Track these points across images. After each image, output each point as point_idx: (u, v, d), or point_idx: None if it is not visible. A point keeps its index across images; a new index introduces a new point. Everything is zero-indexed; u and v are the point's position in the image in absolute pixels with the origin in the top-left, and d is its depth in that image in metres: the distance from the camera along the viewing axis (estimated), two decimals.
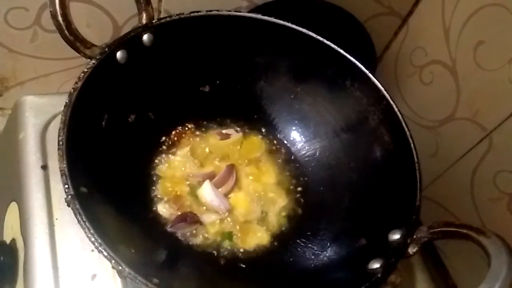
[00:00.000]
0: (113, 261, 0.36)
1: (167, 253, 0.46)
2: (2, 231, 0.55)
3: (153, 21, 0.48)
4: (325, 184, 0.55)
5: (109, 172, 0.45)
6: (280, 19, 0.52)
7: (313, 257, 0.50)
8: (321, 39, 0.52)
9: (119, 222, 0.43)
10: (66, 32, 0.43)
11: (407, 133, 0.48)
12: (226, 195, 0.52)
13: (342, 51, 0.52)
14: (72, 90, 0.43)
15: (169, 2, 0.60)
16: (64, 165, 0.39)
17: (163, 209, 0.50)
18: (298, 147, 0.58)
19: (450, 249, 0.64)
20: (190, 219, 0.49)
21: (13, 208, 0.52)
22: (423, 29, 0.65)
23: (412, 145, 0.47)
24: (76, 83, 0.43)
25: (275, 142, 0.58)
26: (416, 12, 0.66)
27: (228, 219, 0.51)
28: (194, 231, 0.49)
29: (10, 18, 0.56)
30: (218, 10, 0.51)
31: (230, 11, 0.53)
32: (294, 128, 0.58)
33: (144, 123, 0.52)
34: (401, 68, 0.70)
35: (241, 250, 0.50)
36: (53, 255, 0.46)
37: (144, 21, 0.48)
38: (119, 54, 0.46)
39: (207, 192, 0.51)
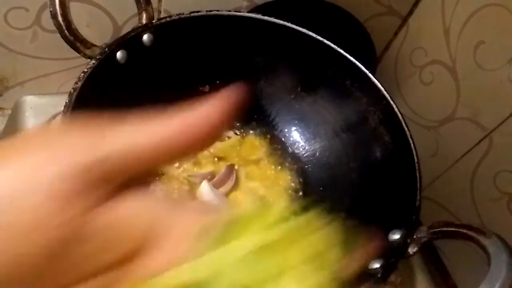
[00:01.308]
0: None
1: None
2: None
3: (153, 21, 0.48)
4: (325, 184, 0.55)
5: None
6: (280, 19, 0.52)
7: None
8: (321, 39, 0.52)
9: None
10: (66, 32, 0.43)
11: (407, 133, 0.48)
12: (226, 195, 0.52)
13: (342, 51, 0.52)
14: (72, 90, 0.43)
15: (169, 2, 0.60)
16: None
17: None
18: (298, 147, 0.58)
19: (450, 249, 0.64)
20: None
21: None
22: (423, 29, 0.65)
23: (412, 145, 0.47)
24: (76, 83, 0.43)
25: (275, 142, 0.58)
26: (416, 12, 0.66)
27: None
28: None
29: (10, 18, 0.56)
30: (218, 10, 0.51)
31: (230, 11, 0.53)
32: (294, 128, 0.58)
33: None
34: (401, 68, 0.70)
35: None
36: None
37: (144, 21, 0.48)
38: (119, 54, 0.46)
39: (205, 191, 0.50)
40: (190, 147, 0.22)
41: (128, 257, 0.21)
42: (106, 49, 0.45)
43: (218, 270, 0.20)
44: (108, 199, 0.20)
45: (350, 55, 0.52)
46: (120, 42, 0.47)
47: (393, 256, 0.41)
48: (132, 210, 0.22)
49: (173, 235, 0.22)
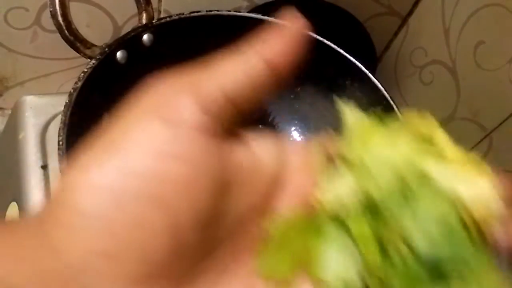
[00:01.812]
0: None
1: None
2: None
3: (153, 21, 0.48)
4: None
5: None
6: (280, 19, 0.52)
7: None
8: (321, 39, 0.52)
9: None
10: (66, 32, 0.43)
11: None
12: None
13: (342, 51, 0.52)
14: (72, 90, 0.43)
15: (169, 2, 0.60)
16: (64, 165, 0.39)
17: None
18: None
19: None
20: None
21: (13, 208, 0.52)
22: (423, 29, 0.65)
23: None
24: (76, 83, 0.43)
25: None
26: (416, 12, 0.66)
27: None
28: None
29: (10, 18, 0.56)
30: (218, 10, 0.51)
31: (230, 11, 0.53)
32: (294, 128, 0.58)
33: None
34: (401, 68, 0.70)
35: None
36: None
37: (144, 21, 0.48)
38: (119, 54, 0.46)
39: None
40: (270, 85, 0.21)
41: (263, 199, 0.21)
42: (106, 49, 0.45)
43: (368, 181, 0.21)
44: (230, 140, 0.20)
45: (350, 55, 0.52)
46: (120, 42, 0.47)
47: None
48: (261, 148, 0.22)
49: (292, 170, 0.22)
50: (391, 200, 0.20)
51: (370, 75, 0.51)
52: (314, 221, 0.21)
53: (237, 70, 0.21)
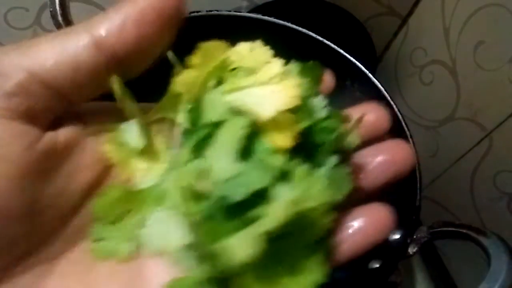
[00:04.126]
0: None
1: None
2: None
3: None
4: None
5: None
6: (280, 19, 0.52)
7: None
8: (321, 39, 0.52)
9: None
10: None
11: (407, 133, 0.48)
12: None
13: (342, 51, 0.52)
14: None
15: None
16: None
17: None
18: None
19: (450, 249, 0.64)
20: None
21: None
22: (423, 29, 0.65)
23: (412, 145, 0.47)
24: None
25: None
26: (416, 12, 0.66)
27: None
28: None
29: (10, 18, 0.56)
30: (218, 10, 0.51)
31: (230, 11, 0.53)
32: None
33: None
34: (401, 68, 0.70)
35: None
36: None
37: None
38: None
39: None
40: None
41: (98, 179, 0.21)
42: None
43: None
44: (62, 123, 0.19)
45: (350, 55, 0.52)
46: None
47: (393, 256, 0.41)
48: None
49: None
50: (203, 139, 0.21)
51: (370, 75, 0.51)
52: (136, 194, 0.21)
53: (57, 49, 0.17)
